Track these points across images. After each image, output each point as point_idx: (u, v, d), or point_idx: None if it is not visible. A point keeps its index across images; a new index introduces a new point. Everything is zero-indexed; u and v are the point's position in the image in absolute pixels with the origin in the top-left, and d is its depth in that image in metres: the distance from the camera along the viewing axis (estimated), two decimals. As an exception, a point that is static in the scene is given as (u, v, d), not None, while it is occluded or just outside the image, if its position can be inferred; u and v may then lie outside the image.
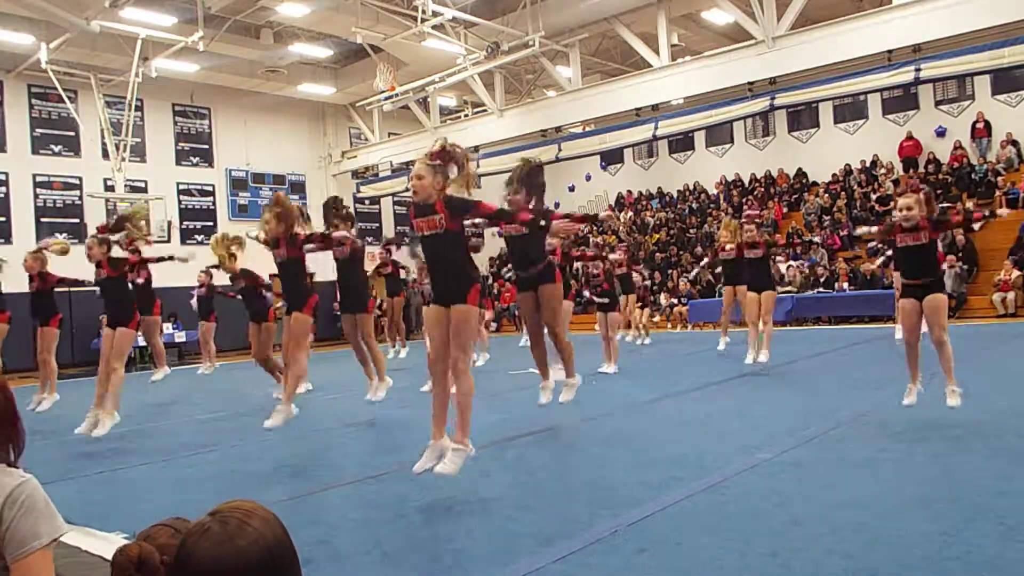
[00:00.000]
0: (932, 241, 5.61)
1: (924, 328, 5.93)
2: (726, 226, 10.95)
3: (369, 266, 10.24)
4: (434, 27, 15.60)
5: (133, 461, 6.27)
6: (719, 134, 23.48)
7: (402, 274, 13.52)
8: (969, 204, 18.09)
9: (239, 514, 1.20)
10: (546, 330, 6.38)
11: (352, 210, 8.52)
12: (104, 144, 17.49)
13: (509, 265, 7.56)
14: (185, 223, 19.78)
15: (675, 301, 19.39)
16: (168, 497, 5.01)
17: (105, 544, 3.31)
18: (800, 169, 22.48)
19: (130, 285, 7.78)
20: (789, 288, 17.14)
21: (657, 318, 17.74)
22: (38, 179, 17.65)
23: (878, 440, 5.41)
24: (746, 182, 23.33)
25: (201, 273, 12.20)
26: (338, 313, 23.65)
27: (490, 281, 23.26)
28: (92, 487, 5.45)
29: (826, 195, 20.87)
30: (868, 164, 20.96)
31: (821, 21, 14.67)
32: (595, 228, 25.04)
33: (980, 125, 19.50)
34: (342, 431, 7.42)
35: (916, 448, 5.10)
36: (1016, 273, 15.25)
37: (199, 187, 20.19)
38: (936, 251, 5.84)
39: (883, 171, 20.51)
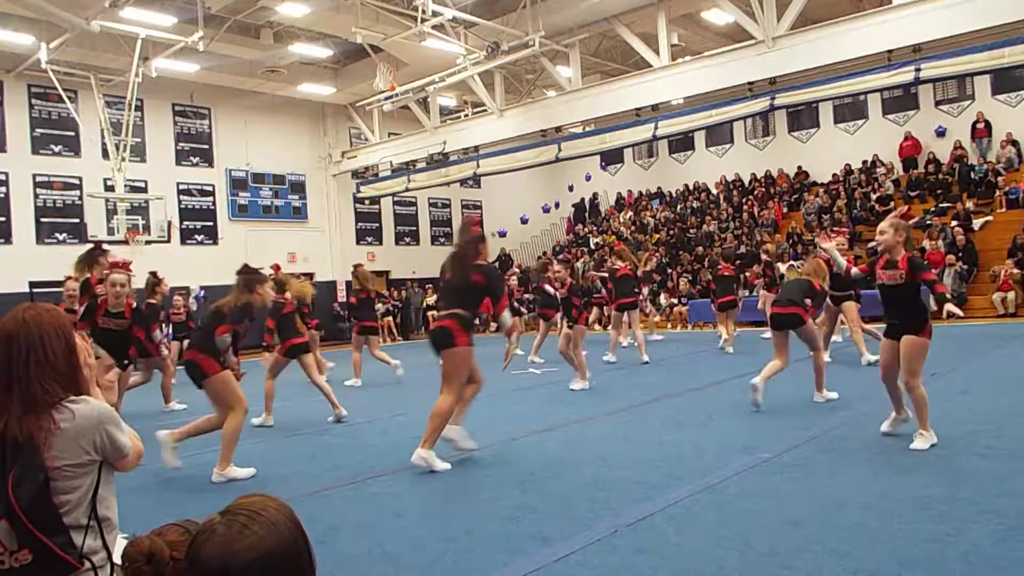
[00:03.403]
0: (912, 283, 5.12)
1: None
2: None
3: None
4: (434, 27, 15.58)
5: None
6: (719, 134, 23.50)
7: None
8: (969, 204, 18.11)
9: (244, 516, 1.18)
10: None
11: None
12: (104, 144, 17.48)
13: None
14: (185, 223, 19.78)
15: (675, 301, 19.39)
16: (167, 497, 5.00)
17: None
18: (800, 168, 22.48)
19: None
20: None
21: (657, 318, 17.73)
22: (38, 179, 17.64)
23: (878, 440, 5.41)
24: (746, 182, 23.35)
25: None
26: (340, 312, 23.60)
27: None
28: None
29: (826, 195, 20.88)
30: (868, 164, 20.97)
31: (821, 21, 14.65)
32: (595, 229, 25.08)
33: (980, 125, 19.50)
34: (342, 431, 7.42)
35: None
36: (1015, 271, 15.25)
37: (199, 187, 20.18)
38: (917, 294, 5.17)
39: (883, 171, 20.51)
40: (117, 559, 2.05)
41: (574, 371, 9.15)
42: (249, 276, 5.86)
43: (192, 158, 20.16)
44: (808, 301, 7.22)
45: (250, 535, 1.15)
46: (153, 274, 9.47)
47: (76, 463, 1.95)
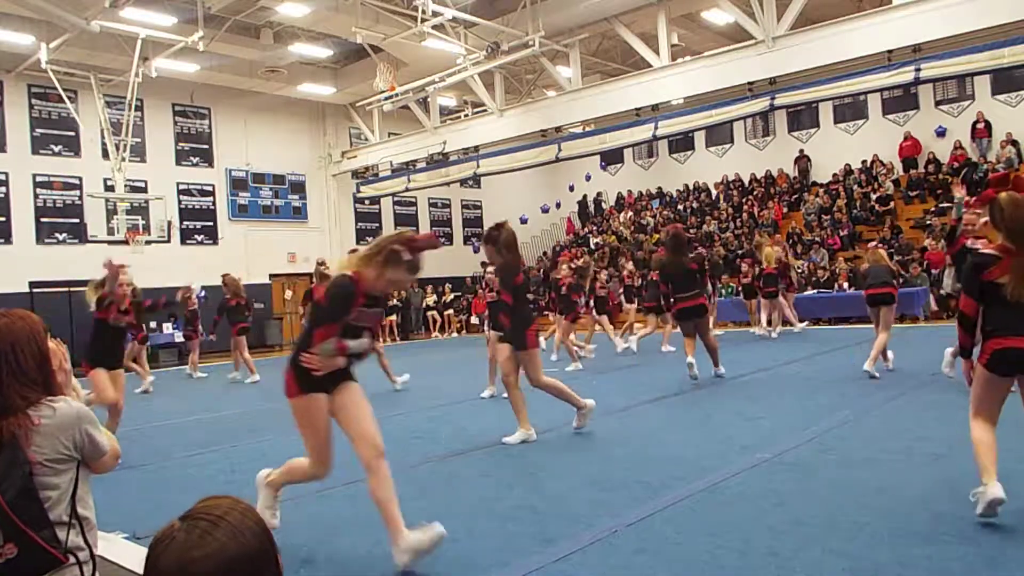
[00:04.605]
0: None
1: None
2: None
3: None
4: (434, 27, 15.58)
5: (133, 461, 6.26)
6: (719, 134, 23.49)
7: None
8: (969, 204, 18.09)
9: (205, 523, 1.10)
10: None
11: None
12: (104, 144, 17.48)
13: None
14: (185, 223, 19.78)
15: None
16: (168, 497, 5.00)
17: (105, 544, 3.31)
18: (802, 151, 22.39)
19: None
20: None
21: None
22: (38, 179, 17.64)
23: (878, 440, 5.41)
24: (746, 182, 23.35)
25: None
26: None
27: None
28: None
29: (826, 195, 20.88)
30: (868, 164, 20.97)
31: (821, 21, 14.65)
32: (595, 229, 25.07)
33: (980, 125, 19.50)
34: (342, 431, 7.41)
35: (916, 448, 5.10)
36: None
37: (199, 187, 20.18)
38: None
39: (883, 171, 20.52)
40: (105, 554, 2.09)
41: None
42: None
43: (192, 158, 20.16)
44: (894, 281, 8.50)
45: (212, 542, 1.08)
46: (322, 263, 10.50)
47: (55, 459, 2.00)
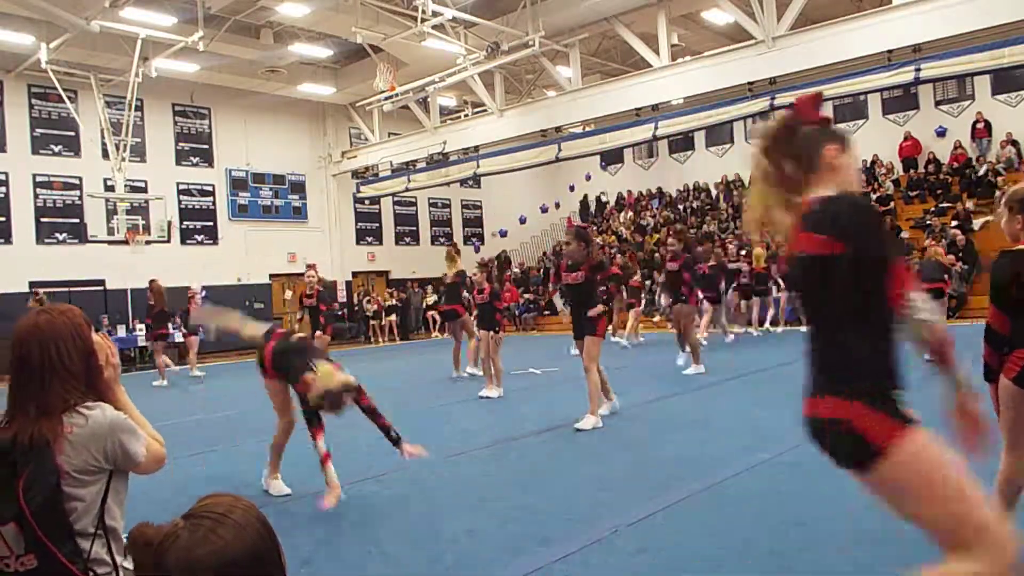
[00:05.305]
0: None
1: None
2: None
3: None
4: (434, 27, 15.58)
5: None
6: (719, 134, 23.48)
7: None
8: (969, 204, 18.10)
9: (209, 520, 1.11)
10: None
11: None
12: (104, 144, 17.46)
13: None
14: (185, 223, 19.77)
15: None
16: (168, 497, 5.00)
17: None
18: None
19: None
20: None
21: (657, 318, 17.76)
22: (38, 179, 17.63)
23: (878, 440, 5.40)
24: (746, 182, 23.35)
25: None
26: (340, 312, 23.61)
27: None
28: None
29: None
30: (868, 164, 20.96)
31: (821, 21, 14.65)
32: (595, 229, 25.08)
33: (980, 125, 19.49)
34: (342, 432, 7.41)
35: (916, 448, 5.09)
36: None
37: (199, 187, 20.17)
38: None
39: (883, 171, 20.52)
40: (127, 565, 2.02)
41: (488, 379, 9.01)
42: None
43: (192, 158, 20.15)
44: (945, 276, 9.21)
45: (216, 540, 1.09)
46: (452, 246, 11.50)
47: (84, 469, 1.93)
